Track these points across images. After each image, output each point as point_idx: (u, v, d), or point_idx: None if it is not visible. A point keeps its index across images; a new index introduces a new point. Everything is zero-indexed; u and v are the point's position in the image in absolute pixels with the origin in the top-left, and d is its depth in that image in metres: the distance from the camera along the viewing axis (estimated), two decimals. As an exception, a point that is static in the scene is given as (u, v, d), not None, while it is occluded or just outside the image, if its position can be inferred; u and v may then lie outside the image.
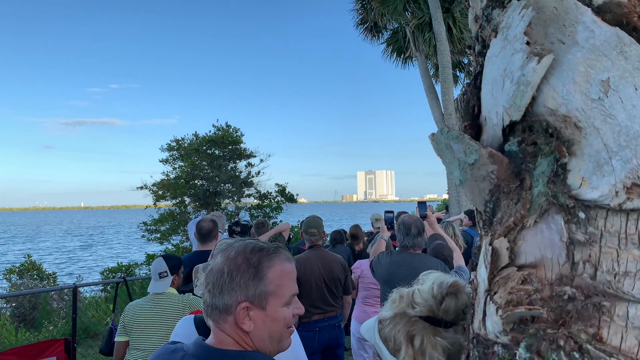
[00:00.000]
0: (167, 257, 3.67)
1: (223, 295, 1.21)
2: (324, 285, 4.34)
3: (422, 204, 4.61)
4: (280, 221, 16.55)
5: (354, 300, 5.10)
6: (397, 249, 4.03)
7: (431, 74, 16.30)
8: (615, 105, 0.74)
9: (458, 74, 17.13)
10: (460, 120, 1.03)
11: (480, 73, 0.96)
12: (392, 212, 4.56)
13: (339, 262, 4.52)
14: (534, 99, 0.80)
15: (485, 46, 0.94)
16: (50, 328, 8.77)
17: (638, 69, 0.74)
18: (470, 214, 7.05)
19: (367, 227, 8.61)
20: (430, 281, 1.10)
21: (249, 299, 1.21)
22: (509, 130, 0.86)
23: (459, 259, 3.96)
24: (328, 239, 7.32)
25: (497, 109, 0.87)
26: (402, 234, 3.82)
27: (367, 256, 5.50)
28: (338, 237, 7.06)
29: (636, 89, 0.73)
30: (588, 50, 0.77)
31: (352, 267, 5.48)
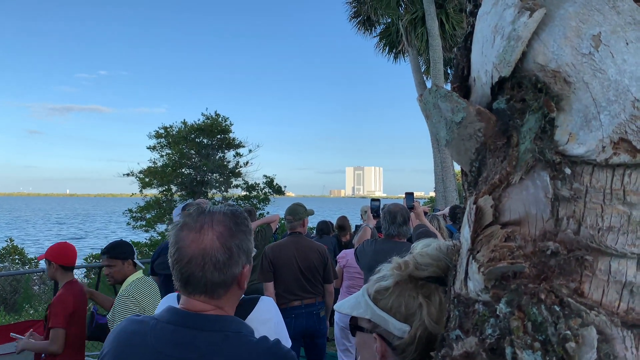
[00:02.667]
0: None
1: (232, 267, 1.20)
2: (299, 272, 4.32)
3: (409, 195, 4.62)
4: (268, 212, 16.52)
5: (337, 290, 5.09)
6: (382, 237, 4.03)
7: (422, 70, 16.34)
8: (606, 59, 0.73)
9: (449, 71, 17.19)
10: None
11: (471, 33, 0.94)
12: (378, 200, 4.57)
13: (316, 249, 4.50)
14: (524, 54, 0.79)
15: (477, 5, 0.93)
16: (31, 312, 8.68)
17: (630, 23, 0.73)
18: (452, 209, 7.05)
19: (355, 221, 8.61)
20: (429, 245, 1.07)
21: (247, 261, 1.25)
22: (498, 88, 0.85)
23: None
24: (315, 230, 7.34)
25: (486, 67, 0.86)
26: (388, 222, 3.82)
27: (353, 247, 5.50)
28: (324, 227, 7.07)
29: (627, 43, 0.72)
30: (580, 5, 0.76)
31: (337, 257, 5.47)
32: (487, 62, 0.85)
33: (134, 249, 3.42)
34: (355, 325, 1.09)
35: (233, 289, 1.24)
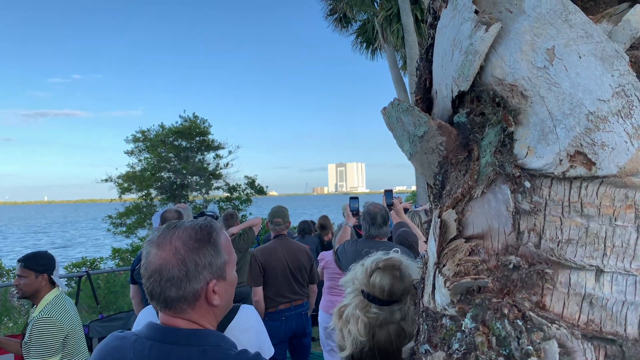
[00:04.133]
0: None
1: (191, 283, 1.18)
2: (289, 274, 4.32)
3: (388, 192, 4.63)
4: (250, 214, 16.43)
5: (320, 290, 5.09)
6: (362, 238, 4.04)
7: (400, 65, 16.42)
8: (560, 73, 0.73)
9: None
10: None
11: (432, 46, 0.95)
12: (356, 198, 4.57)
13: (304, 250, 4.51)
14: (482, 68, 0.80)
15: (436, 17, 0.93)
16: (10, 325, 8.49)
17: (582, 36, 0.74)
18: None
19: (338, 218, 8.60)
20: (370, 257, 1.10)
21: (214, 276, 1.21)
22: (459, 101, 0.85)
23: (424, 246, 3.99)
24: (296, 230, 7.33)
25: (446, 80, 0.86)
26: (368, 223, 3.81)
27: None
28: (306, 227, 7.06)
29: (580, 57, 0.73)
30: (534, 19, 0.77)
31: (318, 257, 5.48)
32: (447, 76, 0.86)
33: (56, 264, 2.96)
34: None
35: (200, 304, 1.21)
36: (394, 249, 1.16)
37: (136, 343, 1.20)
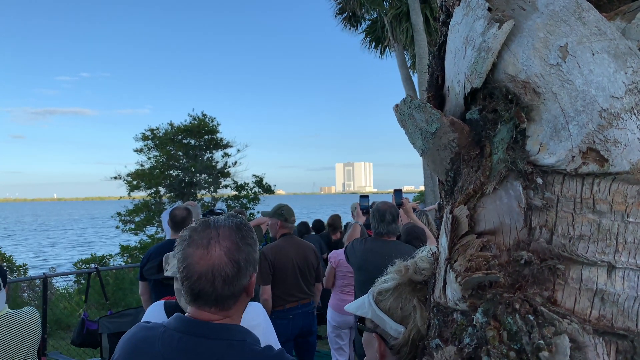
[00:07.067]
0: None
1: (240, 280, 1.22)
2: (298, 273, 4.33)
3: (398, 192, 4.63)
4: (258, 212, 16.48)
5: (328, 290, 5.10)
6: (371, 235, 4.04)
7: (409, 64, 16.37)
8: (573, 70, 0.74)
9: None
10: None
11: (444, 43, 0.95)
12: (367, 196, 4.57)
13: (312, 249, 4.53)
14: (494, 65, 0.80)
15: (449, 15, 0.94)
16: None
17: (595, 34, 0.74)
18: (441, 205, 7.09)
19: (346, 218, 8.59)
20: (432, 250, 1.10)
21: (254, 269, 1.27)
22: (471, 98, 0.86)
23: (434, 244, 3.99)
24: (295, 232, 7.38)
25: (459, 77, 0.87)
26: (377, 220, 3.82)
27: (343, 245, 5.50)
28: (303, 228, 7.14)
29: (593, 54, 0.73)
30: (547, 16, 0.77)
31: (329, 256, 5.48)
32: (459, 73, 0.86)
33: None
34: (360, 325, 1.13)
35: (242, 298, 1.27)
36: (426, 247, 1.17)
37: (165, 334, 1.22)
